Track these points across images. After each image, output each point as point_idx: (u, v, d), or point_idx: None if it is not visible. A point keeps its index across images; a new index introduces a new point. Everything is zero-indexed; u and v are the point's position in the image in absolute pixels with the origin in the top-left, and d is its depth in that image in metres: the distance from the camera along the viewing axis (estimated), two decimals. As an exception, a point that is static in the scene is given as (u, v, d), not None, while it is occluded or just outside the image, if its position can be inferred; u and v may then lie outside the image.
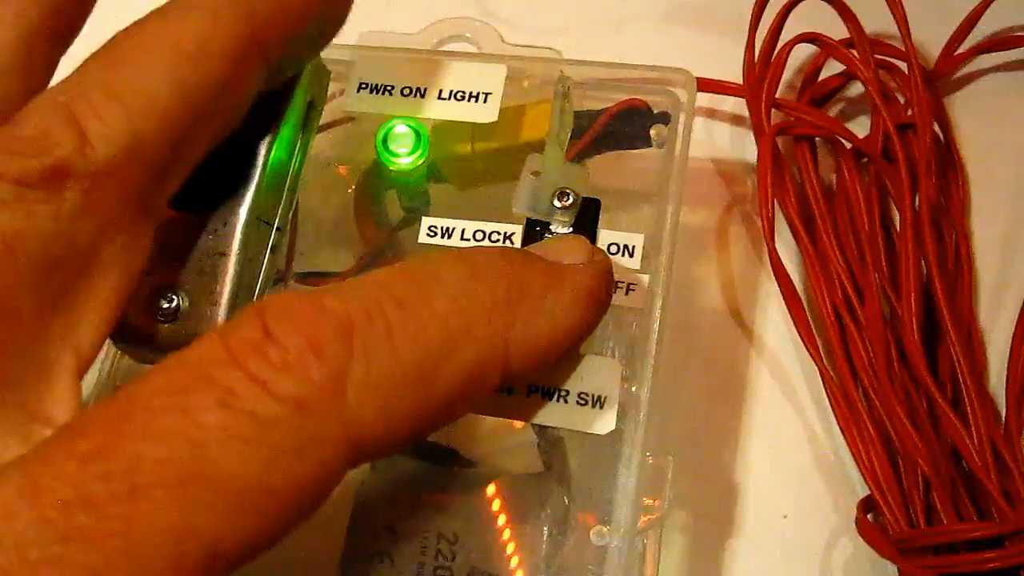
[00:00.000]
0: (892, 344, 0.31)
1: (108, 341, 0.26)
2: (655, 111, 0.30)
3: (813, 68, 0.37)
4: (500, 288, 0.21)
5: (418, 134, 0.30)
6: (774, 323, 0.34)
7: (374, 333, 0.18)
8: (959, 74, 0.38)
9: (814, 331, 0.32)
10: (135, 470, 0.16)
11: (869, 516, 0.30)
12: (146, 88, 0.20)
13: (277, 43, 0.22)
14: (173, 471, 0.16)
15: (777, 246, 0.32)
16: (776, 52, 0.35)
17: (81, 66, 0.21)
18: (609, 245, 0.28)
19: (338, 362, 0.18)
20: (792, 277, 0.33)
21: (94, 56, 0.21)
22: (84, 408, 0.19)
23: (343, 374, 0.18)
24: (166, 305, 0.25)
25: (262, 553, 0.18)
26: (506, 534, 0.28)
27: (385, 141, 0.30)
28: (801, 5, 0.35)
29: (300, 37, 0.23)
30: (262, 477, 0.17)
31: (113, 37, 0.21)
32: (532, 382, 0.25)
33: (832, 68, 0.37)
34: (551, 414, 0.26)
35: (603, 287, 0.23)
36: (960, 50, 0.37)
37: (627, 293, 0.27)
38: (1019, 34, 0.37)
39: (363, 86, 0.30)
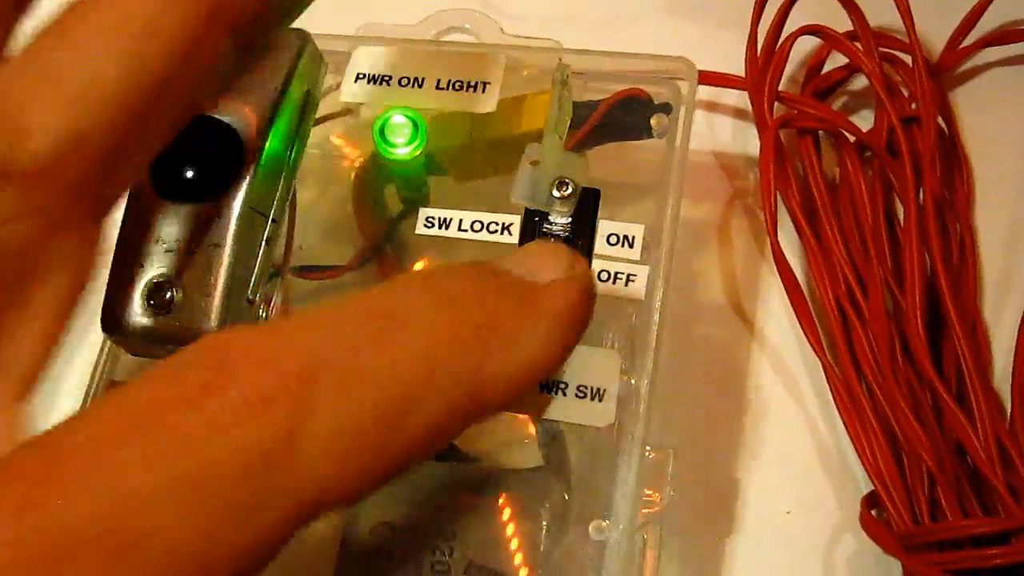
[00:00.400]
0: (896, 338, 0.31)
1: (103, 335, 0.26)
2: (656, 102, 0.30)
3: (816, 61, 0.37)
4: (471, 320, 0.18)
5: (416, 124, 0.30)
6: (776, 317, 0.34)
7: (335, 381, 0.16)
8: (963, 67, 0.38)
9: (817, 325, 0.32)
10: (63, 530, 0.14)
11: (873, 512, 0.30)
12: (91, 71, 0.18)
13: (243, 11, 0.20)
14: (103, 533, 0.14)
15: (779, 240, 0.32)
16: (779, 44, 0.35)
17: (23, 49, 0.18)
18: (609, 235, 0.28)
19: (296, 413, 0.16)
20: (794, 271, 0.32)
21: (37, 37, 0.19)
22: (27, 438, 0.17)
23: (302, 426, 0.16)
24: (160, 297, 0.25)
25: None
26: (505, 529, 0.28)
27: (383, 131, 0.30)
28: (804, -3, 0.34)
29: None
30: (204, 542, 0.15)
31: (60, 13, 0.19)
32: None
33: (835, 61, 0.37)
34: (550, 407, 0.26)
35: (584, 307, 0.20)
36: (965, 43, 0.37)
37: (627, 284, 0.27)
38: (1024, 27, 0.37)
39: (360, 76, 0.30)
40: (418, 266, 0.31)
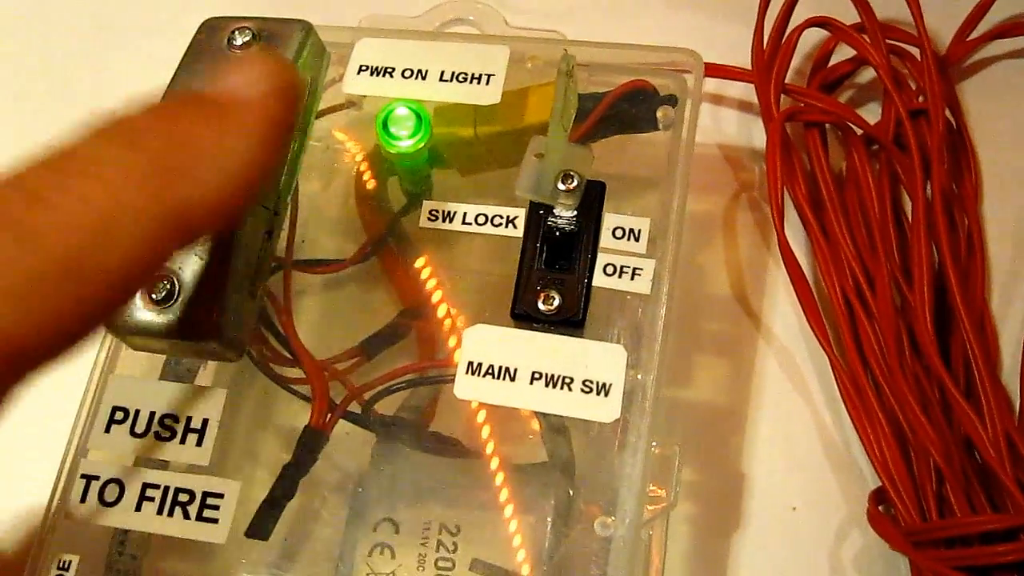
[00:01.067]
0: (903, 332, 0.30)
1: (104, 329, 0.26)
2: (662, 94, 0.30)
3: (823, 53, 0.37)
4: (164, 154, 0.19)
5: (419, 116, 0.30)
6: (782, 311, 0.34)
7: (7, 241, 0.17)
8: (971, 60, 0.38)
9: (824, 319, 0.31)
10: None
11: (880, 508, 0.30)
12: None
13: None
14: None
15: (786, 233, 0.32)
16: (785, 36, 0.35)
17: None
18: (615, 229, 0.27)
19: None
20: (801, 265, 0.32)
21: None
22: None
23: None
24: (161, 290, 0.25)
25: None
26: (509, 525, 0.27)
27: (385, 124, 0.30)
28: (811, -11, 0.34)
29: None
30: None
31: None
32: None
33: (842, 54, 0.37)
34: (555, 402, 0.26)
35: (285, 111, 0.21)
36: (972, 36, 0.36)
37: (633, 278, 0.27)
38: (1032, 20, 0.37)
39: (363, 68, 0.30)
40: (420, 262, 0.31)
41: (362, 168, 0.32)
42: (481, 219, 0.28)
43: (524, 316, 0.27)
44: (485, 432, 0.28)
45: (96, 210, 0.18)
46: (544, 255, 0.27)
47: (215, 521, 0.26)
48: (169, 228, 0.19)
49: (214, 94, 0.21)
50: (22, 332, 0.17)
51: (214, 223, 0.20)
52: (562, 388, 0.26)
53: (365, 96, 0.31)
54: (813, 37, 0.36)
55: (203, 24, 0.28)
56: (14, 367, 0.17)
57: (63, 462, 0.28)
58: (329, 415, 0.28)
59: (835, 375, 0.31)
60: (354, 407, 0.28)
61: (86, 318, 0.18)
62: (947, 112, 0.34)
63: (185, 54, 0.28)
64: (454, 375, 0.26)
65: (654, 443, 0.26)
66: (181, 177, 0.19)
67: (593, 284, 0.27)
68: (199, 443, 0.27)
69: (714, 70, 0.35)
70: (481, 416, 0.28)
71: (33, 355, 0.17)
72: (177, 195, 0.19)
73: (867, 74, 0.37)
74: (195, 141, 0.19)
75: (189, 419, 0.27)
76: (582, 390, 0.26)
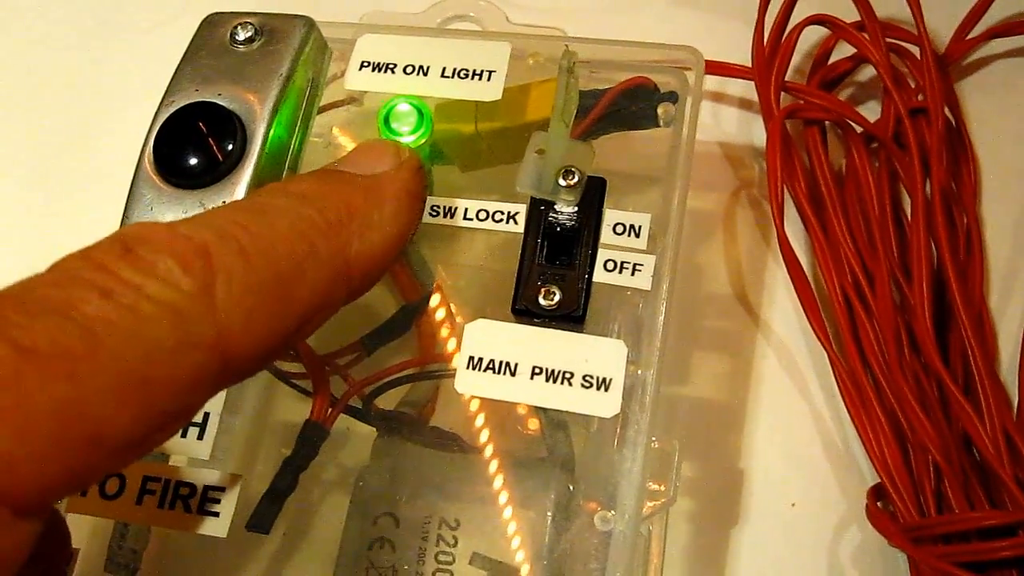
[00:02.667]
0: (902, 330, 0.31)
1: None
2: (662, 91, 0.30)
3: (823, 51, 0.37)
4: (330, 211, 0.22)
5: (420, 112, 0.30)
6: (782, 308, 0.34)
7: (230, 253, 0.20)
8: (970, 59, 0.38)
9: (823, 316, 0.31)
10: (27, 343, 0.17)
11: (879, 504, 0.30)
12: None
13: (365, 274, 0.23)
14: (62, 347, 0.17)
15: (785, 231, 0.32)
16: (786, 34, 0.35)
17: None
18: (615, 225, 0.27)
19: (204, 276, 0.19)
20: (800, 262, 0.32)
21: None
22: None
23: (211, 286, 0.19)
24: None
25: (136, 452, 0.18)
26: (509, 519, 0.27)
27: (387, 120, 0.30)
28: (811, -13, 0.34)
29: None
30: (143, 367, 0.18)
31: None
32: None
33: (842, 51, 0.37)
34: (555, 397, 0.26)
35: (419, 184, 0.25)
36: (972, 34, 0.36)
37: (633, 273, 0.27)
38: (1032, 18, 0.37)
39: (365, 64, 0.30)
40: (421, 257, 0.31)
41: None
42: (482, 215, 0.28)
43: (525, 311, 0.27)
44: (485, 427, 0.28)
45: (291, 246, 0.21)
46: (545, 251, 0.27)
47: (216, 515, 0.26)
48: (341, 276, 0.22)
49: (351, 171, 0.24)
50: (244, 336, 0.20)
51: (372, 276, 0.23)
52: (562, 383, 0.26)
53: (367, 92, 0.31)
54: (813, 35, 0.36)
55: (205, 19, 0.29)
56: (227, 368, 0.20)
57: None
58: (330, 409, 0.28)
59: (834, 372, 0.31)
60: (355, 402, 0.28)
61: (280, 336, 0.21)
62: (946, 110, 0.35)
63: (187, 49, 0.28)
64: (454, 370, 0.26)
65: (654, 439, 0.26)
66: (351, 233, 0.22)
67: (593, 280, 0.27)
68: (200, 436, 0.27)
69: (714, 67, 0.35)
70: (481, 411, 0.28)
71: (240, 364, 0.20)
72: (350, 245, 0.22)
73: (867, 72, 0.38)
74: (355, 206, 0.23)
75: (190, 413, 0.27)
76: (582, 385, 0.26)
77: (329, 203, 0.22)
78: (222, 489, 0.27)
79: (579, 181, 0.27)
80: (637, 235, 0.27)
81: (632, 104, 0.29)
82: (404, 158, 0.25)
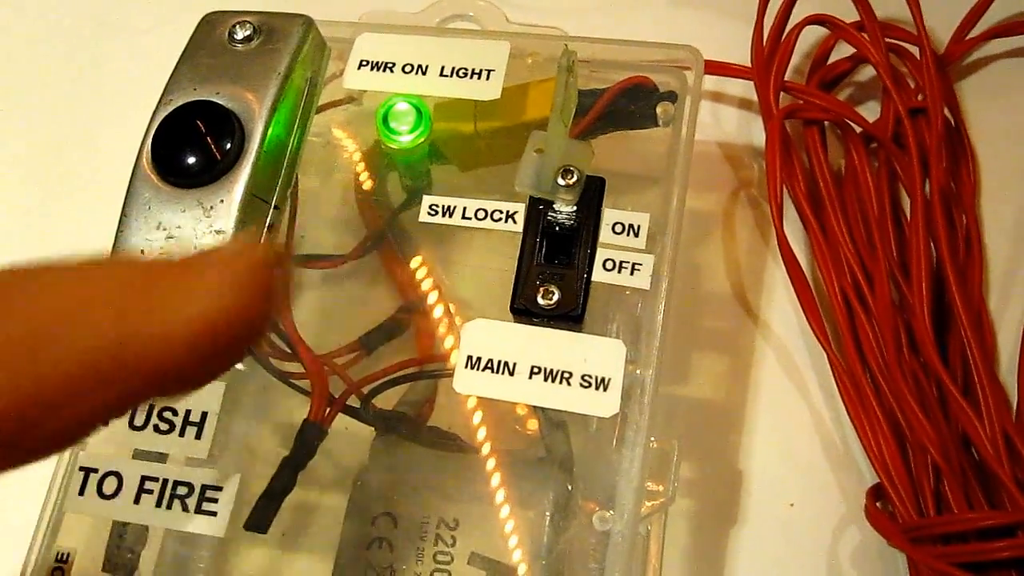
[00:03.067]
0: (902, 330, 0.31)
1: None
2: (661, 90, 0.30)
3: (822, 51, 0.37)
4: (122, 278, 0.19)
5: (419, 111, 0.30)
6: (781, 308, 0.34)
7: None
8: (970, 59, 0.38)
9: (822, 316, 0.31)
10: None
11: (878, 504, 0.30)
12: None
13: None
14: None
15: (784, 231, 0.32)
16: (785, 34, 0.35)
17: None
18: (614, 224, 0.27)
19: None
20: (799, 262, 0.32)
21: None
22: None
23: None
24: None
25: None
26: (508, 519, 0.27)
27: (386, 119, 0.30)
28: (811, -14, 0.34)
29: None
30: None
31: None
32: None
33: (841, 52, 0.37)
34: (553, 396, 0.26)
35: (256, 276, 0.20)
36: (971, 34, 0.36)
37: (632, 273, 0.27)
38: (1031, 19, 0.37)
39: (364, 63, 0.30)
40: (419, 257, 0.31)
41: (362, 163, 0.32)
42: (481, 214, 0.28)
43: (523, 311, 0.27)
44: (484, 426, 0.28)
45: (56, 302, 0.18)
46: (544, 250, 0.27)
47: (214, 514, 0.26)
48: (115, 352, 0.18)
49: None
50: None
51: (161, 364, 0.19)
52: (561, 383, 0.26)
53: (365, 91, 0.31)
54: (813, 35, 0.36)
55: (203, 18, 0.29)
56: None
57: (61, 454, 0.28)
58: (328, 409, 0.28)
59: (833, 372, 0.31)
60: (353, 401, 0.28)
61: (14, 411, 0.17)
62: (946, 110, 0.35)
63: (186, 48, 0.28)
64: (453, 369, 0.26)
65: (652, 438, 0.26)
66: (139, 308, 0.18)
67: (592, 279, 0.27)
68: (198, 436, 0.27)
69: (714, 67, 0.35)
70: (480, 411, 0.28)
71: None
72: (131, 321, 0.18)
73: (866, 72, 0.37)
74: (161, 280, 0.19)
75: (188, 412, 0.27)
76: (581, 385, 0.26)
77: (127, 271, 0.19)
78: (220, 488, 0.27)
79: (578, 180, 0.27)
80: (636, 235, 0.27)
81: (631, 103, 0.29)
82: (247, 249, 0.20)
